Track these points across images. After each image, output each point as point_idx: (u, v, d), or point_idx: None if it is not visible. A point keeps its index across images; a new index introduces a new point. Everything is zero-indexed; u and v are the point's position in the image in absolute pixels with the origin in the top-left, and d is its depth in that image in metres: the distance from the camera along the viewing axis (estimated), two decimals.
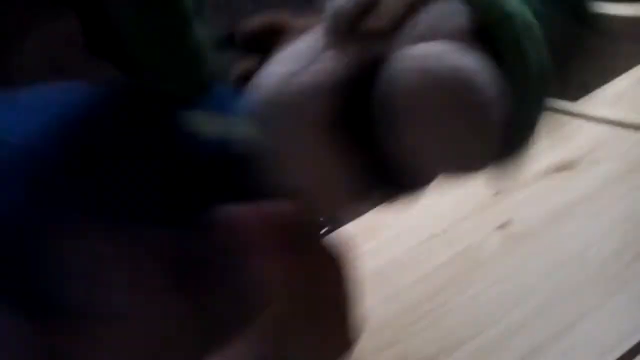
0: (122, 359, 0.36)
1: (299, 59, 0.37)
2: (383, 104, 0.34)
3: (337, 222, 0.97)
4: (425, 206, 0.75)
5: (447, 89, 0.34)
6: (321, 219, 0.46)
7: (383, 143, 0.35)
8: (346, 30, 0.36)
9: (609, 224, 0.63)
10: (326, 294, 0.40)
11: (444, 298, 0.60)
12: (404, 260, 0.67)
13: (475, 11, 0.36)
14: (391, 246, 0.70)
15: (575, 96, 0.92)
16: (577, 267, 0.59)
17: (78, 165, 0.36)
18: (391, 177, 0.37)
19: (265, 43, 0.40)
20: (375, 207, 0.77)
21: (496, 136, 0.36)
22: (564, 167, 0.74)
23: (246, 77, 0.39)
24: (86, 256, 0.34)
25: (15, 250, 0.35)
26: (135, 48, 0.37)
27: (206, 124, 0.38)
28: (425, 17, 0.36)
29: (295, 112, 0.36)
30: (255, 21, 0.41)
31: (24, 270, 0.34)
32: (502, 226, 0.68)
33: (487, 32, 0.36)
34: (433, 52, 0.34)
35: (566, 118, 0.85)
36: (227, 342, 0.37)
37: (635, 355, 0.50)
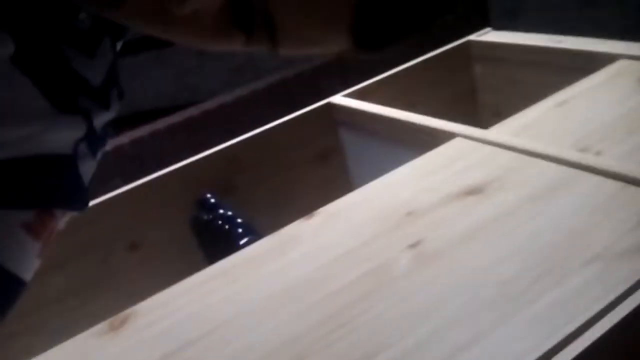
0: None
1: None
2: None
3: (256, 235, 0.98)
4: (339, 223, 0.78)
5: None
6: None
7: None
8: None
9: (513, 246, 0.66)
10: None
11: (354, 313, 0.62)
12: (316, 276, 0.69)
13: None
14: (304, 261, 0.72)
15: (487, 123, 0.96)
16: (480, 288, 0.62)
17: None
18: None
19: None
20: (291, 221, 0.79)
21: None
22: (473, 191, 0.77)
23: None
24: None
25: None
26: None
27: None
28: None
29: None
30: None
31: None
32: (413, 245, 0.70)
33: None
34: None
35: (477, 144, 0.88)
36: None
37: None
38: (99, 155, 0.52)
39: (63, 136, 0.47)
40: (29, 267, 0.47)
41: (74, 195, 0.50)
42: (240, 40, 0.39)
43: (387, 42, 0.41)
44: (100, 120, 0.50)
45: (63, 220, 0.50)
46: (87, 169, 0.50)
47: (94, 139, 0.50)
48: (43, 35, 0.46)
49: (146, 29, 0.39)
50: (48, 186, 0.47)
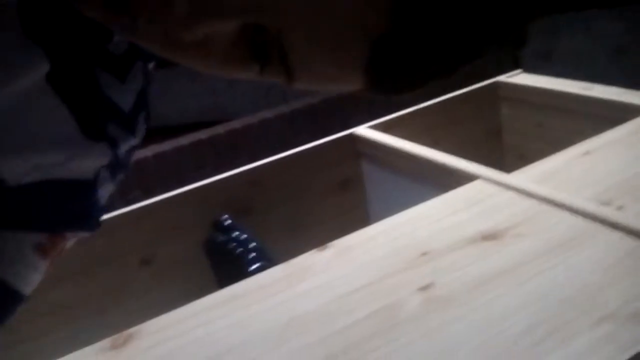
0: None
1: None
2: None
3: (269, 262, 0.98)
4: (352, 257, 0.77)
5: None
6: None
7: None
8: None
9: (525, 298, 0.65)
10: None
11: (358, 354, 0.61)
12: (324, 311, 0.68)
13: None
14: (314, 295, 0.71)
15: (510, 165, 0.95)
16: (489, 339, 0.61)
17: None
18: None
19: None
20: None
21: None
22: (489, 237, 0.76)
23: None
24: None
25: None
26: None
27: None
28: None
29: None
30: None
31: None
32: (424, 288, 0.69)
33: None
34: None
35: (498, 188, 0.88)
36: None
37: None
38: (119, 178, 0.52)
39: (88, 163, 0.47)
40: (31, 283, 0.47)
41: (89, 219, 0.50)
42: (254, 70, 0.38)
43: (405, 86, 0.40)
44: (125, 147, 0.50)
45: (73, 240, 0.50)
46: (105, 192, 0.50)
47: (116, 166, 0.50)
48: (77, 57, 0.46)
49: (162, 53, 0.38)
50: (65, 210, 0.47)
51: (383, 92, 0.41)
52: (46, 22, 0.44)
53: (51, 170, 0.45)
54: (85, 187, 0.48)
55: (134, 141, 0.51)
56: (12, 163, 0.44)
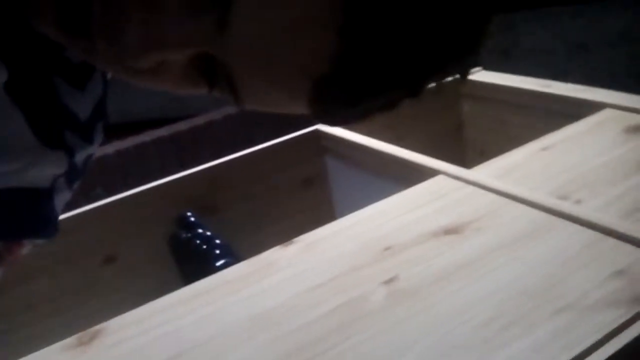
0: None
1: None
2: None
3: (234, 258, 0.98)
4: (317, 252, 0.78)
5: None
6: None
7: None
8: None
9: (485, 291, 0.67)
10: None
11: (325, 347, 0.62)
12: (289, 305, 0.69)
13: None
14: (279, 289, 0.72)
15: (471, 161, 0.97)
16: (452, 330, 0.62)
17: None
18: None
19: None
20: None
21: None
22: (451, 231, 0.78)
23: None
24: None
25: None
26: None
27: None
28: None
29: None
30: None
31: None
32: (388, 281, 0.70)
33: None
34: None
35: (460, 183, 0.89)
36: None
37: None
38: (75, 186, 0.52)
39: (44, 171, 0.47)
40: None
41: (46, 226, 0.49)
42: (205, 90, 0.39)
43: (348, 118, 0.41)
44: (82, 155, 0.50)
45: (30, 246, 0.49)
46: (62, 200, 0.50)
47: (73, 174, 0.50)
48: (34, 65, 0.46)
49: (118, 75, 0.39)
50: (21, 218, 0.47)
51: (329, 122, 0.42)
52: (1, 29, 0.44)
53: (7, 178, 0.45)
54: (42, 196, 0.48)
55: (91, 149, 0.51)
56: None
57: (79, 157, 0.49)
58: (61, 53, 0.47)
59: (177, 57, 0.37)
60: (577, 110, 1.12)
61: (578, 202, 0.81)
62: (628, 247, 0.70)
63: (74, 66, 0.48)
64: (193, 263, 1.03)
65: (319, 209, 1.26)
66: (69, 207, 1.05)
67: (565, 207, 0.79)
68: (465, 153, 1.44)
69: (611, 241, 0.72)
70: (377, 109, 0.40)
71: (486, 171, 0.93)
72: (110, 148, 1.89)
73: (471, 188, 0.87)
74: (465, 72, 0.42)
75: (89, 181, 1.84)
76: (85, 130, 0.49)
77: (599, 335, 0.58)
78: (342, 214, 0.87)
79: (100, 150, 1.93)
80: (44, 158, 0.46)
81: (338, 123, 0.43)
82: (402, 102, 0.41)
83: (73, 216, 1.04)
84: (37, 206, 0.47)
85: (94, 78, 0.50)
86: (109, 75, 0.52)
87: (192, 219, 1.10)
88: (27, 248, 0.49)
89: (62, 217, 1.02)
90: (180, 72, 0.38)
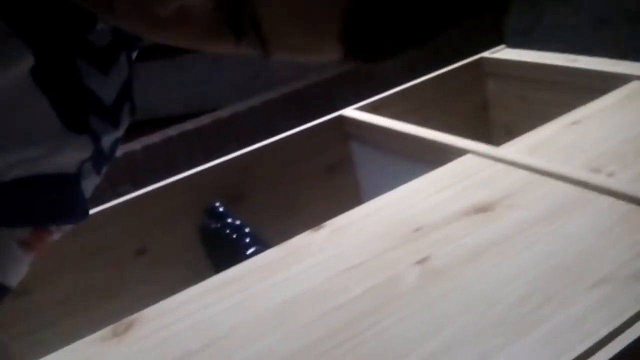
0: None
1: None
2: None
3: (263, 246, 0.98)
4: (347, 236, 0.78)
5: None
6: None
7: None
8: None
9: (519, 268, 0.66)
10: None
11: (359, 328, 0.62)
12: (322, 289, 0.69)
13: None
14: (311, 274, 0.71)
15: (498, 140, 0.96)
16: (487, 308, 0.61)
17: None
18: None
19: None
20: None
21: None
22: (482, 209, 0.77)
23: None
24: None
25: None
26: None
27: None
28: None
29: None
30: None
31: None
32: (420, 262, 0.70)
33: None
34: None
35: (489, 161, 0.88)
36: None
37: None
38: (104, 170, 0.51)
39: (70, 156, 0.47)
40: (17, 275, 0.48)
41: (74, 211, 0.49)
42: (231, 42, 0.38)
43: (381, 53, 0.40)
44: (108, 139, 0.50)
45: (59, 233, 0.50)
46: (90, 185, 0.50)
47: (100, 158, 0.49)
48: (58, 49, 0.46)
49: (143, 31, 0.38)
50: (49, 205, 0.47)
51: (360, 60, 0.41)
52: (26, 12, 0.44)
53: (34, 165, 0.45)
54: (69, 181, 0.48)
55: (117, 133, 0.51)
56: None
57: (105, 142, 0.49)
58: (84, 35, 0.47)
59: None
60: (604, 84, 1.10)
61: (611, 174, 0.80)
62: None
63: (98, 50, 0.48)
64: (223, 252, 1.03)
65: (345, 195, 1.26)
66: (99, 202, 1.06)
67: (598, 180, 0.78)
68: (492, 132, 1.42)
69: None
70: (407, 44, 0.39)
71: (515, 148, 0.91)
72: (137, 144, 1.90)
73: (500, 165, 0.86)
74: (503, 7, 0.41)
75: (117, 177, 1.86)
76: (110, 114, 0.49)
77: (638, 307, 0.57)
78: (369, 199, 0.86)
79: (127, 146, 1.95)
80: (70, 143, 0.46)
81: (370, 60, 0.41)
82: (438, 34, 0.39)
83: (103, 211, 1.04)
84: (63, 192, 0.48)
85: (118, 62, 0.49)
86: (134, 56, 0.52)
87: (221, 208, 1.10)
88: (56, 235, 0.49)
89: (92, 212, 1.03)
90: (204, 22, 0.36)
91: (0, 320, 0.95)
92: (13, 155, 0.44)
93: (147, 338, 0.67)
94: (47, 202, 0.47)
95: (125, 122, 0.52)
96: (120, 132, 0.51)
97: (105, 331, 0.69)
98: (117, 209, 1.06)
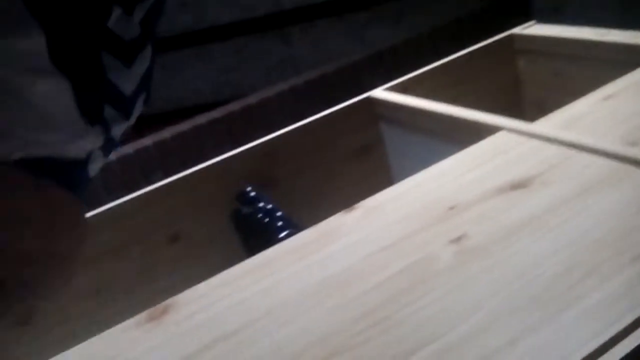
0: None
1: None
2: None
3: (296, 229, 0.98)
4: (380, 216, 0.77)
5: None
6: None
7: None
8: None
9: (557, 244, 0.65)
10: None
11: (394, 308, 0.61)
12: (356, 269, 0.68)
13: None
14: (344, 255, 0.71)
15: (530, 117, 0.94)
16: (525, 284, 0.60)
17: None
18: None
19: None
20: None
21: None
22: (518, 186, 0.75)
23: None
24: None
25: None
26: None
27: None
28: None
29: None
30: None
31: None
32: (455, 240, 0.69)
33: None
34: None
35: (523, 138, 0.87)
36: None
37: None
38: (111, 154, 0.52)
39: (82, 146, 0.47)
40: None
41: (74, 191, 0.50)
42: None
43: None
44: (119, 129, 0.50)
45: None
46: (96, 166, 0.50)
47: (110, 146, 0.50)
48: (81, 39, 0.45)
49: None
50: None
51: None
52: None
53: (46, 148, 0.45)
54: (76, 165, 0.48)
55: (127, 123, 0.51)
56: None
57: (115, 131, 0.49)
58: (104, 24, 0.46)
59: None
60: (637, 57, 1.08)
61: None
62: None
63: (125, 43, 0.47)
64: (256, 237, 1.03)
65: (376, 177, 1.25)
66: (131, 189, 1.06)
67: (634, 153, 0.76)
68: (524, 109, 1.40)
69: None
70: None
71: (549, 124, 0.90)
72: (167, 133, 1.91)
73: (535, 141, 0.85)
74: None
75: (149, 166, 1.87)
76: (125, 105, 0.49)
77: None
78: (401, 179, 0.86)
79: (157, 135, 1.96)
80: (84, 134, 0.47)
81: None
82: None
83: (135, 198, 1.05)
84: (68, 174, 0.48)
85: (142, 54, 0.49)
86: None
87: (253, 193, 1.10)
88: None
89: (124, 199, 1.04)
90: None
91: (35, 309, 0.97)
92: (29, 135, 0.44)
93: (183, 322, 0.67)
94: (48, 181, 0.47)
95: (137, 112, 0.51)
96: (131, 122, 0.51)
97: (141, 316, 0.69)
98: (148, 197, 1.07)
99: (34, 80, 0.43)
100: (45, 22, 0.43)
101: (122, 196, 1.06)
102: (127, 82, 0.49)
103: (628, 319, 0.54)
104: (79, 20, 0.45)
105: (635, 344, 0.52)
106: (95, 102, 0.47)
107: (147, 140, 1.80)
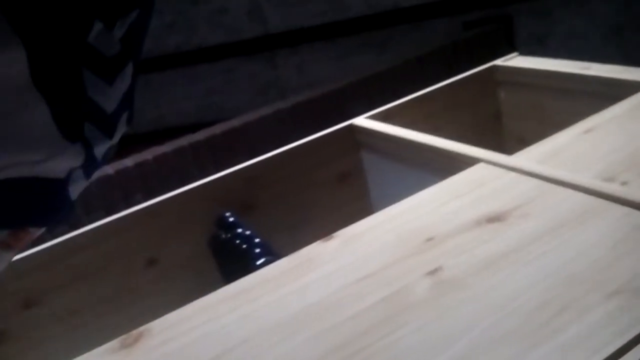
0: None
1: None
2: None
3: (274, 256, 0.98)
4: (358, 246, 0.77)
5: None
6: None
7: None
8: None
9: (534, 277, 0.65)
10: None
11: (370, 340, 0.61)
12: (333, 300, 0.68)
13: None
14: (322, 284, 0.71)
15: (511, 149, 0.95)
16: (501, 318, 0.60)
17: None
18: None
19: None
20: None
21: None
22: (495, 219, 0.76)
23: None
24: None
25: None
26: None
27: None
28: None
29: None
30: None
31: None
32: (432, 272, 0.69)
33: None
34: None
35: (501, 170, 0.87)
36: None
37: None
38: (94, 177, 0.51)
39: (61, 164, 0.47)
40: None
41: (54, 214, 0.49)
42: None
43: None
44: (101, 148, 0.49)
45: (38, 233, 0.49)
46: (78, 188, 0.50)
47: (91, 165, 0.49)
48: (62, 56, 0.45)
49: None
50: (29, 207, 0.47)
51: None
52: (25, 10, 0.43)
53: (23, 168, 0.45)
54: (55, 186, 0.47)
55: (110, 143, 0.50)
56: None
57: (98, 151, 0.49)
58: (85, 39, 0.46)
59: None
60: (618, 91, 1.09)
61: (624, 183, 0.79)
62: None
63: (106, 60, 0.47)
64: (234, 263, 1.03)
65: (356, 204, 1.25)
66: (110, 212, 1.05)
67: (612, 189, 0.77)
68: (504, 141, 1.41)
69: None
70: None
71: (527, 156, 0.90)
72: (149, 154, 1.90)
73: (513, 174, 0.85)
74: None
75: (129, 187, 1.86)
76: (107, 124, 0.49)
77: None
78: (380, 208, 0.86)
79: (139, 157, 1.95)
80: (63, 151, 0.46)
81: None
82: None
83: (114, 221, 1.04)
84: (48, 196, 0.47)
85: (124, 72, 0.49)
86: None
87: (231, 219, 1.09)
88: (36, 234, 0.49)
89: (103, 222, 1.03)
90: None
91: (9, 332, 0.95)
92: (7, 158, 0.44)
93: (155, 350, 0.66)
94: (27, 204, 0.47)
95: (120, 131, 0.51)
96: (114, 141, 0.51)
97: (113, 343, 0.68)
98: (127, 219, 1.06)
99: (14, 98, 0.43)
100: (27, 38, 0.43)
101: (101, 218, 1.05)
102: (109, 99, 0.48)
103: (604, 354, 0.54)
104: (60, 35, 0.45)
105: None
106: (75, 119, 0.46)
107: (128, 161, 1.79)
